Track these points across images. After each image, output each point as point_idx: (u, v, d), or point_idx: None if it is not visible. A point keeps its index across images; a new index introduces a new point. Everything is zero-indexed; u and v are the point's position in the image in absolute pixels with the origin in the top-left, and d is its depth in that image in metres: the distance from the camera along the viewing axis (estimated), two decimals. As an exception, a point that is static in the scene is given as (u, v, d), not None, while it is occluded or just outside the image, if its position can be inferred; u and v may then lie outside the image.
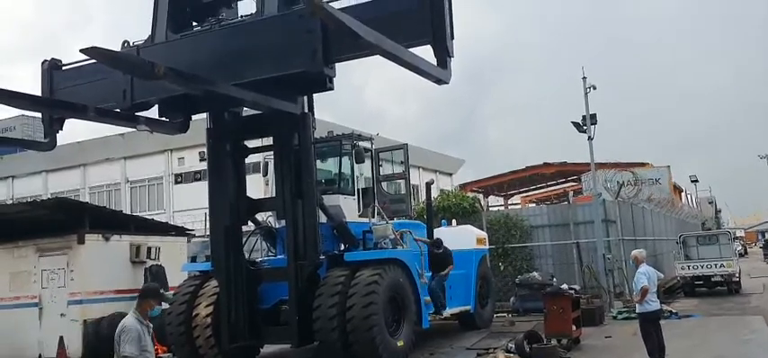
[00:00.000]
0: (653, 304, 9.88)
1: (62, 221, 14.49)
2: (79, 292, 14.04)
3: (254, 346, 11.96)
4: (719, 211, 65.29)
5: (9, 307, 14.81)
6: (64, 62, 10.20)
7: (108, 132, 33.63)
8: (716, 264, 21.82)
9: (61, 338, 13.02)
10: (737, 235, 57.65)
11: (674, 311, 16.77)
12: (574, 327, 12.54)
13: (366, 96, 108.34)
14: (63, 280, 14.26)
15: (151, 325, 6.34)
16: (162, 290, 6.23)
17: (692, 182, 49.61)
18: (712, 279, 22.06)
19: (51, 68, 10.12)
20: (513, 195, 46.62)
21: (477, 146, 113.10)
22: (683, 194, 48.70)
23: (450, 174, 49.56)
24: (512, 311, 17.73)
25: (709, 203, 59.57)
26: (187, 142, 30.87)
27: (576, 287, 15.38)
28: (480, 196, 35.02)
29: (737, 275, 22.27)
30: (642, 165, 37.27)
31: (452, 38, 7.66)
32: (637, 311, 10.38)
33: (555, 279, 17.17)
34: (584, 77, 19.56)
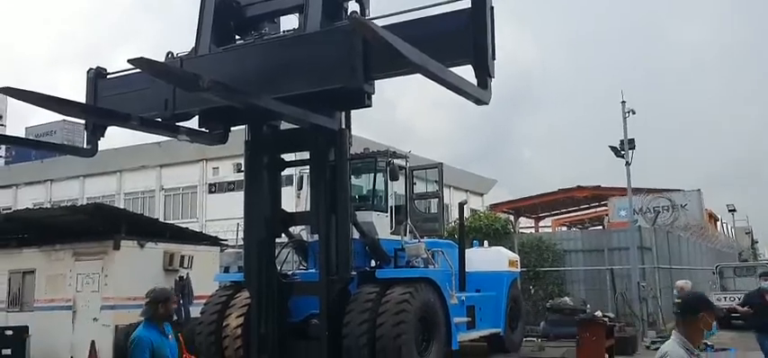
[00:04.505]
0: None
1: (99, 227, 14.75)
2: (112, 298, 14.25)
3: (283, 359, 11.95)
4: (756, 242, 63.58)
5: (44, 309, 15.10)
6: (108, 71, 10.40)
7: (144, 140, 34.21)
8: (755, 297, 21.22)
9: (93, 343, 13.22)
10: (776, 267, 55.97)
11: (709, 344, 16.32)
12: (607, 356, 12.30)
13: (398, 111, 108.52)
14: (97, 284, 14.51)
15: (699, 353, 4.15)
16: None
17: (730, 211, 48.32)
18: (750, 312, 21.44)
19: (96, 77, 10.30)
20: (544, 218, 46.05)
21: (510, 165, 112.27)
22: (718, 223, 47.57)
23: (482, 194, 49.23)
24: (541, 336, 17.47)
25: (746, 234, 58.06)
26: (222, 152, 31.25)
27: (611, 314, 15.10)
28: (511, 217, 34.66)
29: (777, 309, 21.61)
30: (677, 191, 36.52)
31: (494, 58, 7.60)
32: None
33: (588, 305, 16.90)
34: (623, 102, 19.30)
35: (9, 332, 14.86)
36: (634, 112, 19.33)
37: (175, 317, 14.77)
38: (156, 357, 5.12)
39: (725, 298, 21.73)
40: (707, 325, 3.98)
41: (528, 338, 16.90)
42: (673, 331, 4.10)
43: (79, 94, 10.49)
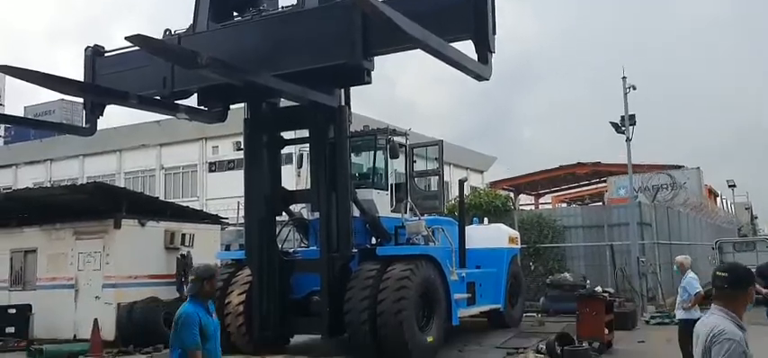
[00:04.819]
0: (697, 312, 9.68)
1: (99, 206, 14.75)
2: (114, 276, 14.29)
3: (285, 336, 12.05)
4: (756, 218, 63.67)
5: (46, 287, 15.16)
6: (106, 49, 10.37)
7: (143, 119, 34.15)
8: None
9: (95, 320, 13.25)
10: (775, 242, 55.77)
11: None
12: (606, 331, 12.35)
13: (398, 89, 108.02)
14: (99, 263, 14.53)
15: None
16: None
17: (730, 186, 48.28)
18: (749, 287, 21.53)
19: (94, 55, 10.29)
20: (544, 194, 46.09)
21: (510, 143, 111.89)
22: (718, 199, 47.57)
23: (482, 172, 49.23)
24: (541, 311, 17.57)
25: (746, 209, 58.10)
26: (221, 131, 31.11)
27: (610, 290, 15.16)
28: (511, 194, 34.69)
29: (776, 284, 21.67)
30: (678, 167, 36.52)
31: (494, 33, 7.57)
32: (679, 317, 10.14)
33: (588, 281, 16.97)
34: (624, 77, 19.21)
35: (12, 310, 14.95)
36: (634, 88, 19.26)
37: (179, 295, 14.97)
38: (202, 334, 5.04)
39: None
40: (751, 298, 3.71)
41: (528, 314, 16.98)
42: (713, 305, 3.68)
43: (78, 72, 10.49)
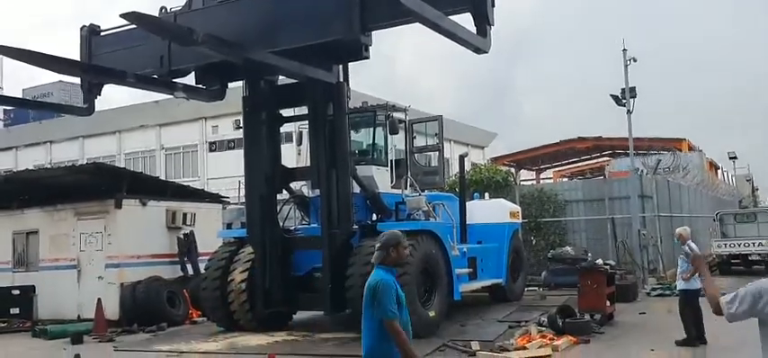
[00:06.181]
0: (696, 282, 9.71)
1: (100, 186, 14.75)
2: (116, 256, 14.32)
3: (288, 312, 12.12)
4: (757, 189, 63.65)
5: (49, 268, 15.22)
6: (102, 28, 10.30)
7: (142, 99, 34.07)
8: (754, 243, 21.33)
9: (99, 300, 13.33)
10: (776, 214, 55.52)
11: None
12: (608, 303, 12.39)
13: (398, 66, 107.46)
14: (101, 243, 14.56)
15: None
16: None
17: (731, 158, 48.19)
18: (750, 258, 21.59)
19: (90, 34, 10.23)
20: (545, 169, 46.07)
21: (510, 119, 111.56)
22: (719, 171, 47.54)
23: (483, 148, 49.12)
24: (543, 285, 17.62)
25: (747, 181, 58.05)
26: (221, 110, 31.06)
27: (612, 262, 15.19)
28: (512, 170, 34.68)
29: (777, 254, 21.72)
30: (679, 141, 36.46)
31: (493, 5, 7.51)
32: (680, 288, 10.19)
33: (590, 254, 17.00)
34: (625, 49, 19.10)
35: (16, 292, 15.03)
36: (635, 60, 19.16)
37: (182, 274, 15.02)
38: (397, 302, 4.64)
39: (726, 244, 21.92)
40: None
41: (530, 288, 17.05)
42: None
43: (75, 55, 10.41)
